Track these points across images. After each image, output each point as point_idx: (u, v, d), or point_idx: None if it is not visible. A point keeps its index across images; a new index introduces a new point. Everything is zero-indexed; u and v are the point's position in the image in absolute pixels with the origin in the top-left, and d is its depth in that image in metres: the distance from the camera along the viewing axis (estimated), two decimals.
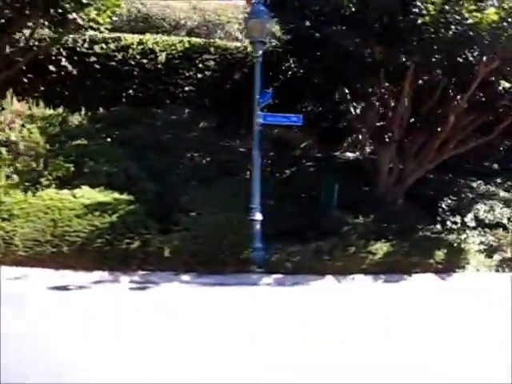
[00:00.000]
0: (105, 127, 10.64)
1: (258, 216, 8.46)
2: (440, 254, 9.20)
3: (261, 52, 8.62)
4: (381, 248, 8.87)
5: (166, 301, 6.83)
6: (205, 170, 9.93)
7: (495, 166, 15.95)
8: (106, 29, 10.17)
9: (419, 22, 7.95)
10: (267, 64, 13.15)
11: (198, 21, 13.27)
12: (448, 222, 10.98)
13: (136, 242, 7.66)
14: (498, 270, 9.70)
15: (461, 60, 9.10)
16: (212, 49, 12.61)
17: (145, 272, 7.74)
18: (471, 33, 8.10)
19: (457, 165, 14.25)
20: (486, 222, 11.16)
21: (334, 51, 9.23)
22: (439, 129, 10.81)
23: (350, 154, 13.31)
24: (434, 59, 8.85)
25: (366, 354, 5.06)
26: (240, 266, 8.06)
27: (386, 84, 10.20)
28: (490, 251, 10.12)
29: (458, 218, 11.06)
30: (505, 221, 11.18)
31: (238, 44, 13.16)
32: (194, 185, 9.18)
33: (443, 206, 11.37)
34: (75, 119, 10.87)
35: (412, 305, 7.29)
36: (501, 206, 11.62)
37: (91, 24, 9.67)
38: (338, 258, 8.53)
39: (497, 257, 9.94)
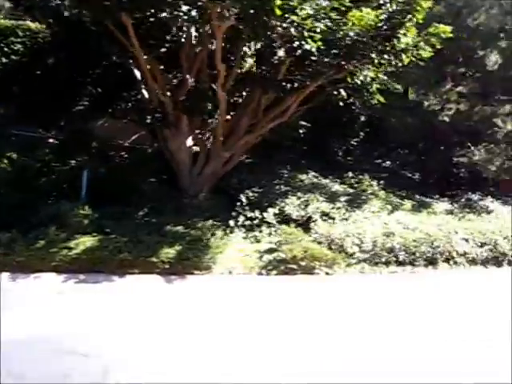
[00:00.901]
0: None
1: None
2: (171, 253, 7.60)
3: None
4: (83, 243, 7.38)
5: None
6: None
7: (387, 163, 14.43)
8: None
9: None
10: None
11: None
12: (241, 218, 9.38)
13: None
14: (260, 273, 8.01)
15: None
16: (20, 32, 11.57)
17: None
18: None
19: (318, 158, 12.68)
20: (294, 217, 9.50)
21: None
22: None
23: None
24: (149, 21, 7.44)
25: None
26: None
27: (145, 57, 8.76)
28: (269, 251, 8.48)
29: (257, 213, 9.42)
30: (317, 217, 9.41)
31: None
32: None
33: (243, 199, 9.75)
34: None
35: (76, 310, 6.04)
36: (321, 200, 9.87)
37: None
38: (19, 252, 7.14)
39: (268, 258, 8.24)
